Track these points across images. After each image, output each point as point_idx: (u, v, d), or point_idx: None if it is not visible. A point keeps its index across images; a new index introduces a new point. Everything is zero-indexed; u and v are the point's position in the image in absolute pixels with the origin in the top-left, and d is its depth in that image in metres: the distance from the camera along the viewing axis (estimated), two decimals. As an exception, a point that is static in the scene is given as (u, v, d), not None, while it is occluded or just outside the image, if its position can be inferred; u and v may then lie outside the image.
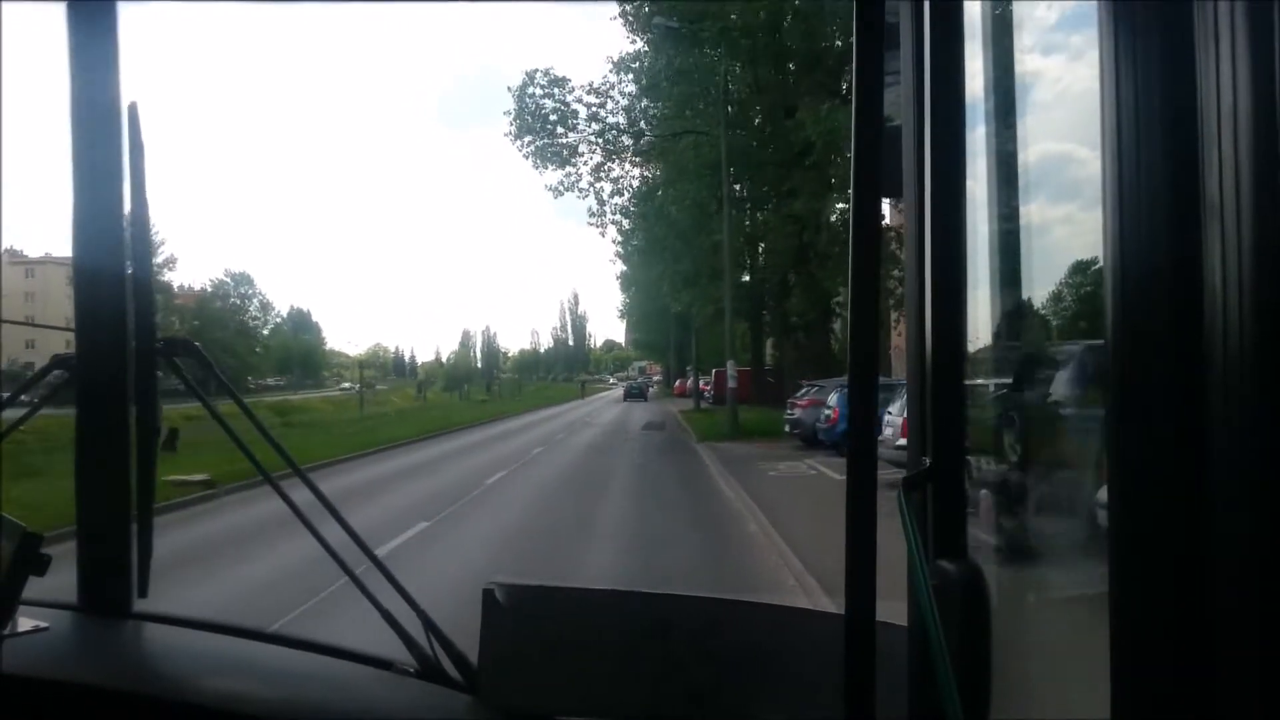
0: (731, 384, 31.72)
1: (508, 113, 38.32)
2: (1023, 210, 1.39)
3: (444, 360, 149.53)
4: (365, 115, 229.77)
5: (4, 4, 1.82)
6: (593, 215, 41.14)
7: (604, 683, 1.53)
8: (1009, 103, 1.39)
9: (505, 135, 38.42)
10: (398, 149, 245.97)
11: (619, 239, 45.84)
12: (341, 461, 23.78)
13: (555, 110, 38.75)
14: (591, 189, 39.69)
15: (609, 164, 40.14)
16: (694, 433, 33.32)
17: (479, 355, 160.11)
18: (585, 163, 39.54)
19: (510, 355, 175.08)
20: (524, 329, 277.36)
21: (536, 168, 38.96)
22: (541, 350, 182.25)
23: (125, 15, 1.82)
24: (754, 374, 47.48)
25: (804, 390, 27.14)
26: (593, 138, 39.30)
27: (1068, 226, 1.39)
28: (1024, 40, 1.37)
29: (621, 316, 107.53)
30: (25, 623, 1.67)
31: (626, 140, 39.76)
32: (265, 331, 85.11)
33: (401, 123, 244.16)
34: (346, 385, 76.33)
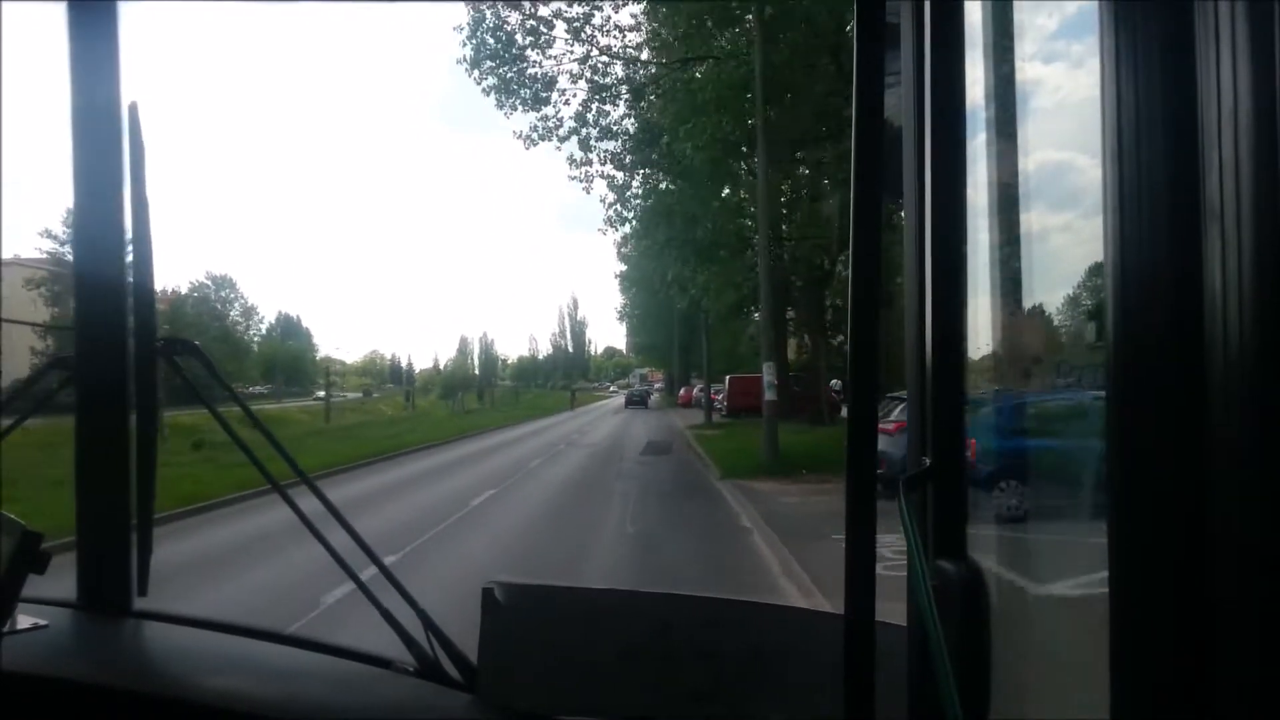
0: (769, 395, 22.32)
1: (459, 28, 27.50)
2: (1023, 210, 1.40)
3: (441, 368, 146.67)
4: (365, 117, 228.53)
5: (4, 3, 1.83)
6: (576, 165, 29.40)
7: (603, 682, 1.53)
8: (1009, 104, 1.39)
9: (459, 63, 27.54)
10: (398, 152, 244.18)
11: (611, 199, 31.45)
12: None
13: (523, 26, 27.33)
14: (575, 135, 28.55)
15: (597, 101, 28.74)
16: (713, 462, 23.46)
17: (476, 363, 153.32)
18: (566, 100, 28.48)
19: (509, 362, 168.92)
20: (523, 336, 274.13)
21: (501, 108, 27.87)
22: (540, 357, 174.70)
23: (126, 15, 1.84)
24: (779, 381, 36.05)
25: (892, 407, 19.54)
26: (576, 65, 28.05)
27: (1068, 227, 1.40)
28: (1024, 41, 1.37)
29: (620, 318, 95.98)
30: (25, 620, 1.67)
31: (619, 69, 28.95)
32: (249, 335, 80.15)
33: (402, 125, 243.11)
34: (320, 395, 73.20)
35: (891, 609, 1.22)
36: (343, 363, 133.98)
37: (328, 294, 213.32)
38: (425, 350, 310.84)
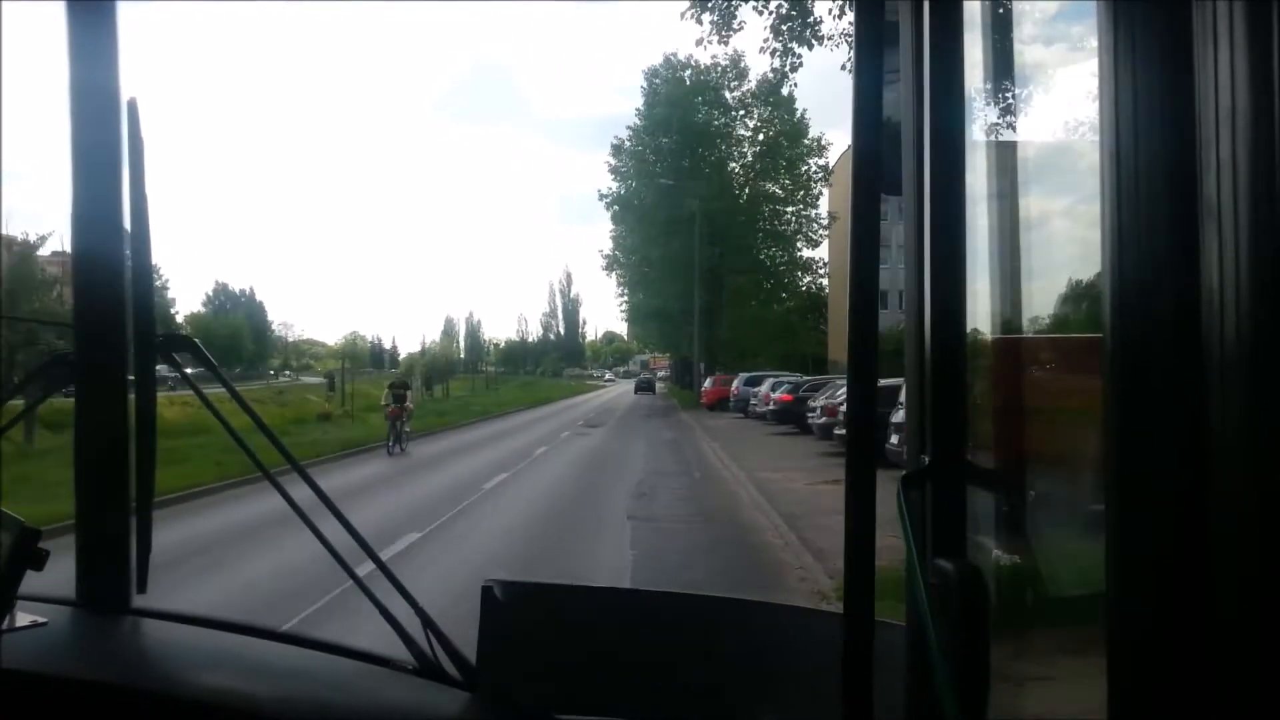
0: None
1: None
2: (1022, 208, 1.41)
3: (424, 349, 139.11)
4: (364, 108, 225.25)
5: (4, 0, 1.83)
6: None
7: (603, 681, 1.54)
8: (1009, 102, 1.40)
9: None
10: (395, 140, 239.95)
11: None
12: None
13: None
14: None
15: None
16: None
17: (462, 346, 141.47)
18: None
19: (499, 345, 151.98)
20: (514, 317, 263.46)
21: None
22: (530, 340, 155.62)
23: (125, 11, 1.82)
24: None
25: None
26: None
27: (1067, 225, 1.41)
28: (1024, 40, 1.37)
29: (609, 268, 62.81)
30: (23, 618, 1.67)
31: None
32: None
33: (400, 115, 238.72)
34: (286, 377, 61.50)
35: (891, 609, 1.22)
36: (323, 344, 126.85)
37: (314, 276, 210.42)
38: (414, 332, 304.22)
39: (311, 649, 1.78)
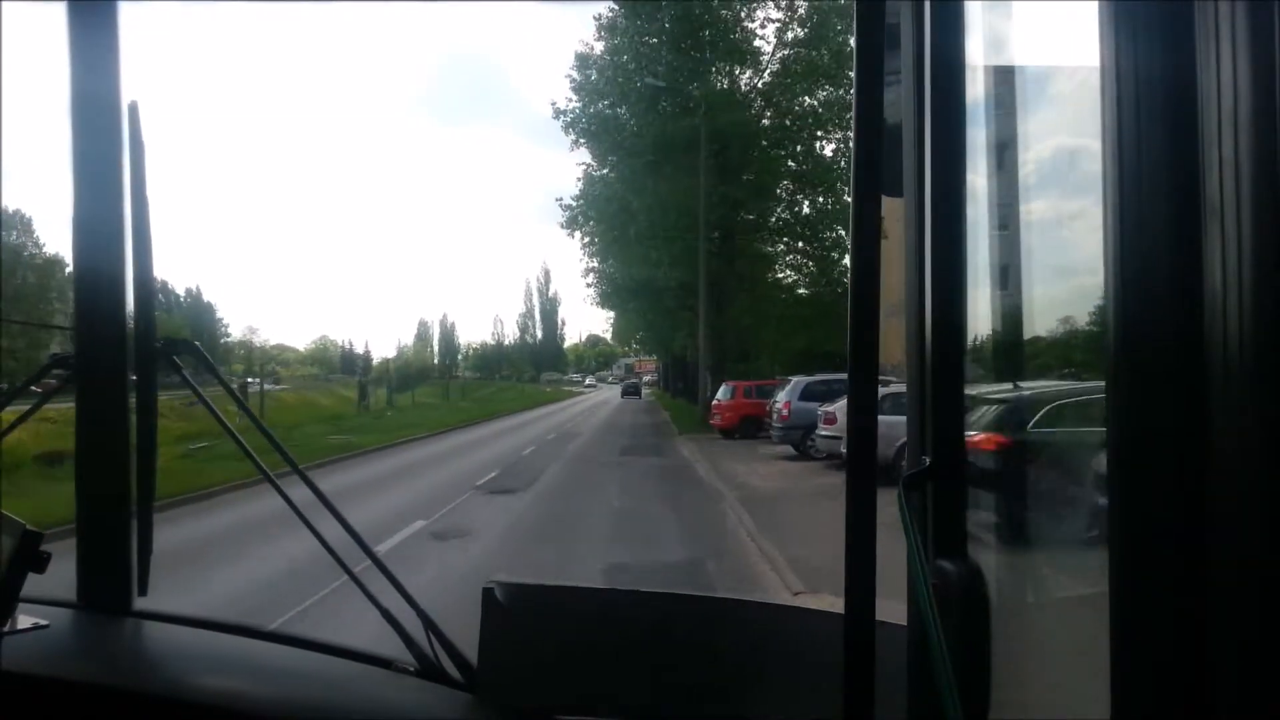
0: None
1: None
2: (1023, 209, 1.41)
3: (398, 354, 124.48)
4: (349, 110, 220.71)
5: (4, 2, 1.83)
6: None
7: (603, 681, 1.54)
8: (1009, 102, 1.40)
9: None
10: (378, 142, 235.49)
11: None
12: None
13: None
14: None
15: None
16: None
17: (436, 350, 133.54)
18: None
19: (475, 349, 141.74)
20: (490, 318, 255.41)
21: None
22: (506, 343, 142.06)
23: (126, 14, 1.83)
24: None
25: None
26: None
27: (1068, 226, 1.42)
28: (1024, 40, 1.38)
29: (569, 227, 38.30)
30: (25, 620, 1.67)
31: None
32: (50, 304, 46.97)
33: (371, 109, 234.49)
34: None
35: (892, 609, 1.23)
36: (294, 350, 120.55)
37: (283, 279, 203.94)
38: (389, 336, 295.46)
39: (313, 650, 1.79)
